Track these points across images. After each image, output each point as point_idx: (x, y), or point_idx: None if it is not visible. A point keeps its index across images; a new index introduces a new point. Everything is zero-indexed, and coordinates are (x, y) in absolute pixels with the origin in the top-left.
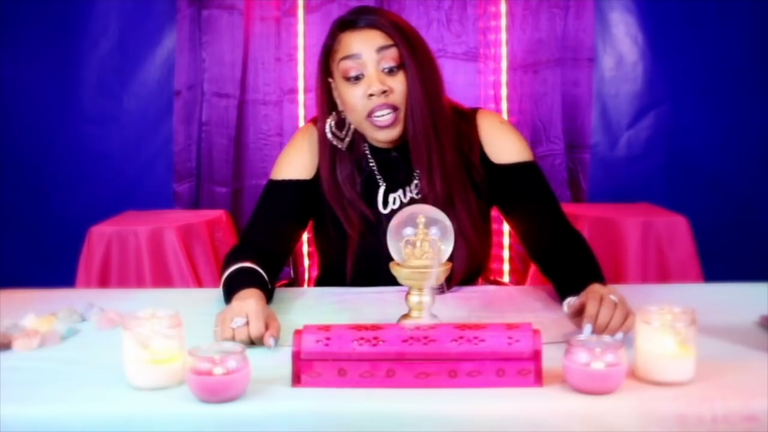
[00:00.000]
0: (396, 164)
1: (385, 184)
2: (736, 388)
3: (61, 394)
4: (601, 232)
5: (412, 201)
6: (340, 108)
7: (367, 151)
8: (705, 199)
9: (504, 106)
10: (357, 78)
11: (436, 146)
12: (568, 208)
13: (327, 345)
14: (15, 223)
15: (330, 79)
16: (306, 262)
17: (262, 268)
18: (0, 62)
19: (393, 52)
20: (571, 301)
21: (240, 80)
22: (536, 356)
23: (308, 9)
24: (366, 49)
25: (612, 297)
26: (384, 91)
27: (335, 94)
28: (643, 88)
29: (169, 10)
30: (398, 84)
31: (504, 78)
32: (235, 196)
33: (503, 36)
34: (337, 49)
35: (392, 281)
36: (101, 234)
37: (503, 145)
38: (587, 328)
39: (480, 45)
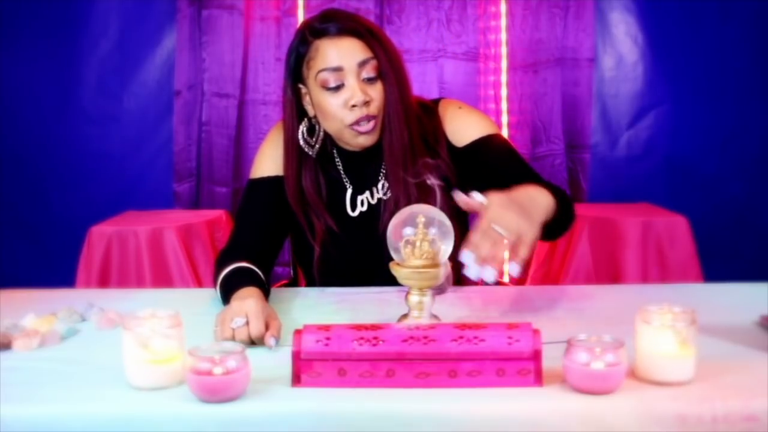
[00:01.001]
0: (363, 166)
1: (352, 186)
2: (736, 388)
3: (61, 394)
4: (601, 232)
5: (380, 202)
6: (311, 114)
7: (335, 154)
8: (705, 199)
9: (504, 106)
10: (337, 88)
11: (410, 152)
12: None
13: (327, 345)
14: (15, 223)
15: (300, 85)
16: None
17: (257, 267)
18: (0, 62)
19: (373, 64)
20: (475, 195)
21: (240, 80)
22: (536, 356)
23: (308, 9)
24: (347, 61)
25: (498, 228)
26: (366, 102)
27: (306, 100)
28: (643, 88)
29: (169, 10)
30: (377, 93)
31: (504, 78)
32: (235, 196)
33: (503, 36)
34: (313, 58)
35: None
36: (101, 234)
37: (464, 127)
38: (466, 255)
39: (480, 45)
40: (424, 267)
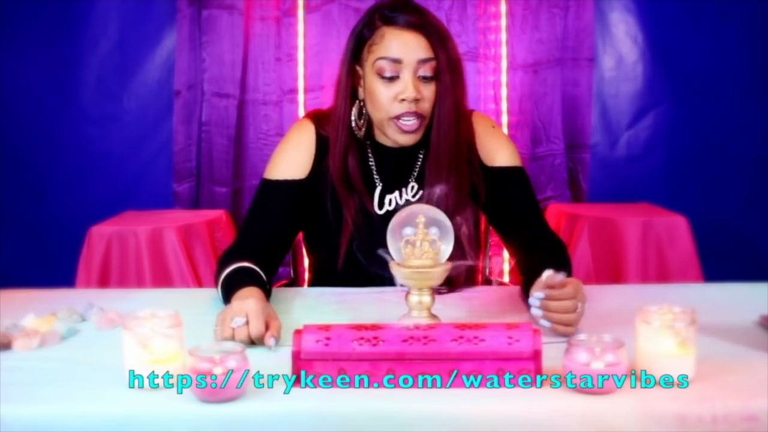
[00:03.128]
0: (395, 165)
1: (381, 184)
2: (736, 388)
3: (61, 394)
4: (601, 232)
5: (408, 203)
6: (361, 97)
7: (369, 151)
8: (705, 199)
9: (504, 106)
10: (391, 78)
11: (455, 160)
12: (568, 208)
13: (327, 345)
14: (15, 223)
15: (357, 67)
16: (306, 262)
17: (260, 268)
18: (0, 62)
19: (432, 64)
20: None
21: (240, 80)
22: (536, 356)
23: (308, 9)
24: (408, 55)
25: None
26: (416, 99)
27: (360, 82)
28: (643, 88)
29: (169, 10)
30: (430, 93)
31: (504, 78)
32: (235, 196)
33: (503, 36)
34: (376, 43)
35: (381, 282)
36: (101, 234)
37: (496, 148)
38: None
39: (480, 45)
40: (423, 267)
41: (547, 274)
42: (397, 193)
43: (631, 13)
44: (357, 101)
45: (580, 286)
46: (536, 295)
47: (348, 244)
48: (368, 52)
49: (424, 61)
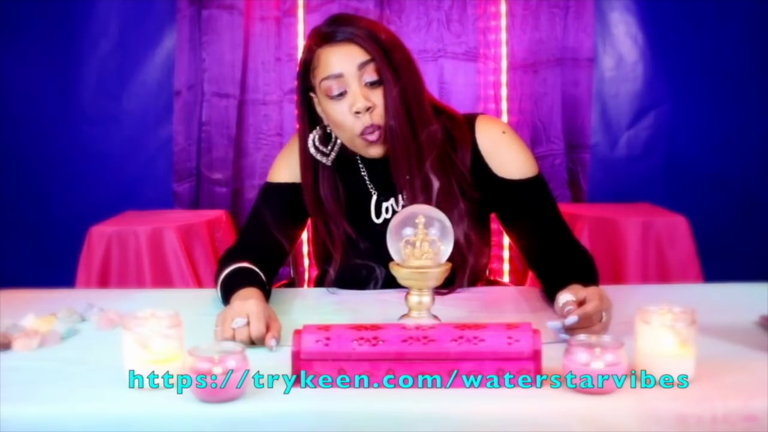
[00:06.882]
0: (387, 172)
1: (377, 192)
2: (736, 388)
3: (61, 394)
4: (601, 232)
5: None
6: (325, 123)
7: (359, 160)
8: (705, 199)
9: (504, 106)
10: (341, 95)
11: (416, 162)
12: (568, 208)
13: (327, 345)
14: (15, 223)
15: (311, 94)
16: (306, 262)
17: (260, 269)
18: (0, 62)
19: (373, 66)
20: (568, 297)
21: (240, 80)
22: (536, 356)
23: (308, 9)
24: (347, 67)
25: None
26: (368, 108)
27: (318, 109)
28: (643, 88)
29: (169, 10)
30: (380, 98)
31: (504, 78)
32: (235, 196)
33: (503, 36)
34: (317, 66)
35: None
36: (101, 234)
37: (509, 159)
38: (571, 319)
39: (480, 45)
40: (423, 267)
41: (564, 300)
42: (392, 200)
43: (631, 13)
44: (318, 127)
45: (601, 294)
46: (561, 322)
47: (338, 271)
48: (313, 77)
49: (363, 65)
